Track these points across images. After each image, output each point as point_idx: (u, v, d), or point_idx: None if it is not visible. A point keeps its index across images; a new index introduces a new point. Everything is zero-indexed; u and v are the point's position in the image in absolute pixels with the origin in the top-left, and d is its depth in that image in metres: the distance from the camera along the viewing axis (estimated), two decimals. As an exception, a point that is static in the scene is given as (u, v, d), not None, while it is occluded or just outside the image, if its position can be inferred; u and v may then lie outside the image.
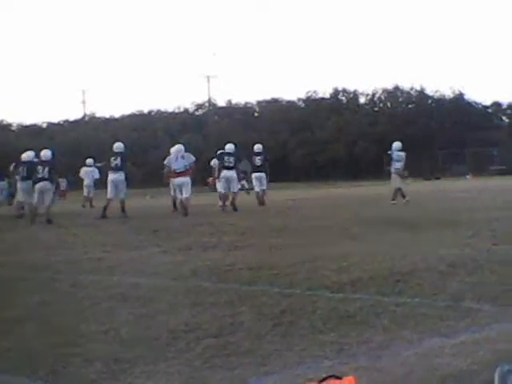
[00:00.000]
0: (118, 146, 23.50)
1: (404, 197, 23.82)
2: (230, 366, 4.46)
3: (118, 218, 21.23)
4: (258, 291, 7.19)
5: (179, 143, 24.94)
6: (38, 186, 21.42)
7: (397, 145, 25.41)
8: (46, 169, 21.51)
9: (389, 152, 25.63)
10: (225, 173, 24.61)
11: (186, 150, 23.04)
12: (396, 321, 5.57)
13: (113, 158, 22.94)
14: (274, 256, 10.22)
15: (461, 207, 19.15)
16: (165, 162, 23.51)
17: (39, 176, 21.50)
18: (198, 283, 7.96)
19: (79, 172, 35.37)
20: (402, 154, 25.24)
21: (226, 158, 24.84)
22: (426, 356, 4.57)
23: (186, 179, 22.18)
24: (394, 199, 23.77)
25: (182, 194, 22.03)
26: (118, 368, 4.49)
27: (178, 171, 22.21)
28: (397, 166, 25.04)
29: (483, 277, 7.50)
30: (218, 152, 25.72)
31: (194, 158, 23.01)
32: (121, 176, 22.76)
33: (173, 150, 22.96)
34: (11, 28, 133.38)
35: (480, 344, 4.81)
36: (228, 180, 24.47)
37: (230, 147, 25.42)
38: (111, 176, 22.75)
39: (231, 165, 24.65)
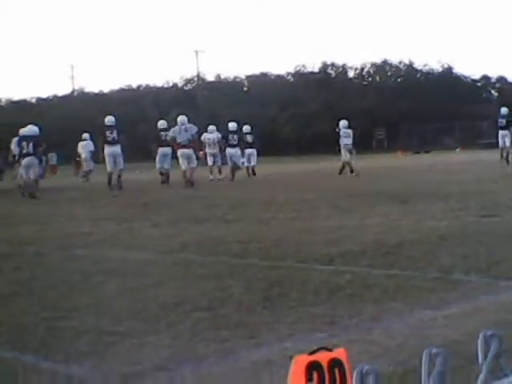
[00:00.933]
0: (110, 120, 23.92)
1: (352, 171, 25.68)
2: (220, 338, 4.46)
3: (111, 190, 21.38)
4: (248, 264, 7.20)
5: (163, 119, 26.11)
6: (24, 161, 21.47)
7: (343, 123, 27.58)
8: (31, 144, 21.60)
9: (337, 130, 27.74)
10: (229, 150, 27.18)
11: (173, 125, 23.83)
12: (387, 293, 5.57)
13: (108, 132, 23.42)
14: (263, 229, 10.24)
15: (450, 180, 19.19)
16: (170, 133, 24.22)
17: (24, 152, 21.58)
18: (188, 256, 7.96)
19: (71, 147, 35.47)
20: (349, 131, 27.47)
21: (230, 136, 27.50)
22: (417, 327, 4.58)
23: (190, 151, 23.17)
24: (340, 173, 25.98)
25: (187, 164, 22.92)
26: (108, 340, 4.49)
27: (182, 143, 23.15)
28: (345, 141, 27.10)
29: (472, 249, 7.50)
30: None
31: (196, 129, 24.08)
32: (118, 149, 23.44)
33: (178, 120, 23.84)
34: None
35: (470, 315, 4.82)
36: (234, 156, 27.13)
37: (233, 126, 27.98)
38: (109, 149, 23.30)
39: (235, 142, 27.42)
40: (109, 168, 23.20)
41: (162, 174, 25.38)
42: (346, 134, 27.30)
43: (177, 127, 23.60)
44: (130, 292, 6.08)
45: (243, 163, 28.17)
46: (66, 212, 15.06)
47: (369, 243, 8.20)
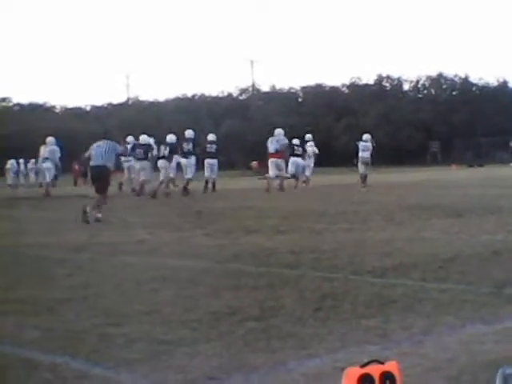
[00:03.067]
0: (190, 133, 26.50)
1: (363, 184, 26.56)
2: (272, 349, 4.45)
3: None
4: (300, 275, 7.18)
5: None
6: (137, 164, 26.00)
7: (366, 136, 28.26)
8: (142, 150, 25.84)
9: (357, 143, 28.36)
10: (295, 159, 28.33)
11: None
12: (438, 307, 5.52)
13: (185, 144, 26.12)
14: (316, 240, 10.21)
15: (504, 194, 18.91)
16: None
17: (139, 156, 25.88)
18: (240, 266, 7.97)
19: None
20: (369, 144, 28.02)
21: (295, 146, 28.78)
22: (469, 342, 4.52)
23: (279, 160, 26.18)
24: (363, 185, 26.36)
25: (278, 172, 25.95)
26: (160, 348, 4.51)
27: (272, 152, 26.08)
28: (362, 154, 27.82)
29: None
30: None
31: (286, 142, 27.00)
32: (192, 160, 26.18)
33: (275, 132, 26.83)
34: (56, 10, 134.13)
35: (523, 331, 4.75)
36: (298, 165, 28.51)
37: (308, 137, 31.59)
38: (184, 160, 25.93)
39: (299, 153, 28.91)
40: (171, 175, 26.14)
41: (207, 183, 26.53)
42: (364, 147, 27.95)
43: (270, 138, 26.51)
44: (183, 300, 6.11)
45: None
46: (119, 219, 15.19)
47: (422, 256, 8.14)
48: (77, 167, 44.59)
